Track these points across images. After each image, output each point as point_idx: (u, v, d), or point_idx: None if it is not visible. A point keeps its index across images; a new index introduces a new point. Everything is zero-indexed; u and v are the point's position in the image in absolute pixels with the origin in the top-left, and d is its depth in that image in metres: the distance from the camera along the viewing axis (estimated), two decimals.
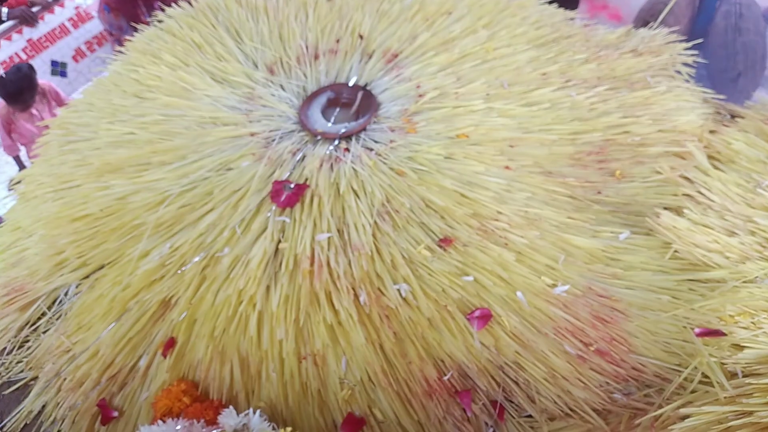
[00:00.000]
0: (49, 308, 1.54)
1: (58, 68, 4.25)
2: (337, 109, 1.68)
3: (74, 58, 4.33)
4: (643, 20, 3.68)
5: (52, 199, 1.65)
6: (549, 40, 1.80)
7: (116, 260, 1.47)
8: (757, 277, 1.32)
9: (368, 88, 1.70)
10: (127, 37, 3.89)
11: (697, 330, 1.27)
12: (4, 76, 2.96)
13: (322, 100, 1.70)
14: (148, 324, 1.41)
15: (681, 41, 1.89)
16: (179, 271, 1.38)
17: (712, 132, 1.67)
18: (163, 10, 3.22)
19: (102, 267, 1.50)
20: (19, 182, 1.87)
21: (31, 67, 3.04)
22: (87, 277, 1.52)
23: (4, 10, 3.85)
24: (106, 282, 1.45)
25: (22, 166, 3.11)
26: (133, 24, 3.61)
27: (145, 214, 1.46)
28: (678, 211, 1.45)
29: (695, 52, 1.87)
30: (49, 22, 4.15)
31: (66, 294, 1.53)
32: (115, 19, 3.91)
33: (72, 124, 1.82)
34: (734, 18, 2.68)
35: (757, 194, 1.46)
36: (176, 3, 2.72)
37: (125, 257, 1.44)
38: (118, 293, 1.41)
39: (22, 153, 3.35)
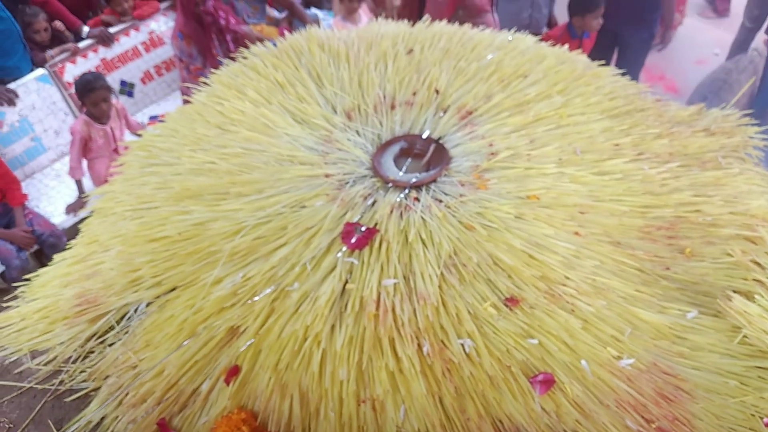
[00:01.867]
0: (117, 322, 1.59)
1: (126, 88, 4.46)
2: (409, 159, 1.73)
3: (142, 80, 4.54)
4: (702, 95, 3.71)
5: (131, 217, 1.72)
6: (622, 111, 1.83)
7: (190, 284, 1.52)
8: None
9: (441, 141, 1.75)
10: (196, 65, 4.07)
11: (765, 420, 1.24)
12: (82, 75, 3.16)
13: (396, 149, 1.75)
14: (214, 349, 1.44)
15: (753, 125, 1.90)
16: (249, 301, 1.42)
17: None
18: (237, 44, 3.36)
19: (174, 288, 1.55)
20: (88, 197, 1.93)
21: (102, 75, 3.24)
22: (159, 297, 1.57)
23: (86, 29, 4.09)
24: (178, 304, 1.50)
25: (82, 190, 3.19)
26: (203, 54, 3.80)
27: (222, 242, 1.51)
28: (748, 296, 1.44)
29: (766, 136, 1.88)
30: (124, 43, 4.38)
31: (135, 311, 1.58)
32: (186, 46, 4.10)
33: (155, 148, 1.91)
34: None
35: None
36: (244, 42, 2.87)
37: (199, 282, 1.49)
38: (189, 316, 1.45)
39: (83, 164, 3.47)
